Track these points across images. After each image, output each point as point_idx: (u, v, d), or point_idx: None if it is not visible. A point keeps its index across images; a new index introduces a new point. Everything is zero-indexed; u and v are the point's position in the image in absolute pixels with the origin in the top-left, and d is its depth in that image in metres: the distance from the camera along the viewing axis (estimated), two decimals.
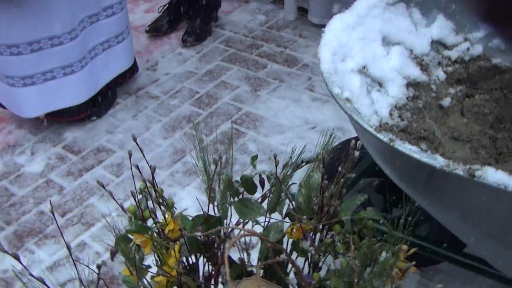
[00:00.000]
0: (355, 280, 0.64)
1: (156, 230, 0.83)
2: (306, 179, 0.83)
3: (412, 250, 0.76)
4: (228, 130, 1.84)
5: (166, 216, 0.84)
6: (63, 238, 0.83)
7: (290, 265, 0.91)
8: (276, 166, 0.85)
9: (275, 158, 0.85)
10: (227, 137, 1.79)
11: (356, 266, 0.65)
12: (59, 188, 1.70)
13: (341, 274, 0.70)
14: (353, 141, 0.88)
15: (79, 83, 1.80)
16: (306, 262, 0.87)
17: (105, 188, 0.86)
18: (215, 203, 0.88)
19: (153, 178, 0.81)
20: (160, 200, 0.84)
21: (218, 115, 1.93)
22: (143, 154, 0.85)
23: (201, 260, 0.93)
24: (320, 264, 0.87)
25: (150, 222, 0.86)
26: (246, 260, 0.91)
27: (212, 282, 0.91)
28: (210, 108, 1.96)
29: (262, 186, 0.93)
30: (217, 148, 1.70)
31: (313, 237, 0.85)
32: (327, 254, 0.81)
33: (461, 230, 0.90)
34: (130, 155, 0.82)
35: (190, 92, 2.06)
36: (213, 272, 0.90)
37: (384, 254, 0.68)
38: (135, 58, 2.07)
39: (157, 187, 0.84)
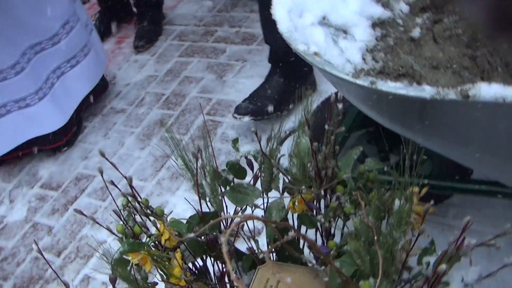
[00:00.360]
0: (375, 237, 0.59)
1: (152, 243, 0.76)
2: (294, 148, 0.77)
3: (424, 190, 0.71)
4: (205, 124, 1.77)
5: (158, 226, 0.77)
6: (61, 280, 0.76)
7: (302, 241, 0.85)
8: (259, 142, 0.78)
9: (256, 134, 0.79)
10: (204, 130, 1.72)
11: (371, 222, 0.59)
12: (48, 229, 1.61)
13: (358, 235, 0.65)
14: (333, 95, 0.83)
15: (40, 115, 1.71)
16: (318, 233, 0.82)
17: (84, 215, 0.79)
18: (207, 199, 0.82)
19: (132, 189, 0.74)
20: (148, 211, 0.77)
21: (190, 111, 1.86)
22: (116, 167, 0.78)
23: (209, 261, 0.86)
24: (332, 230, 0.81)
25: (144, 238, 0.79)
26: (255, 248, 0.85)
27: (226, 280, 0.85)
28: (179, 107, 1.89)
29: (252, 168, 0.87)
30: (197, 144, 1.64)
31: (317, 205, 0.79)
32: (337, 218, 0.75)
33: (466, 158, 0.85)
34: (101, 172, 0.75)
35: (156, 96, 1.98)
36: (225, 270, 0.84)
37: (397, 202, 0.63)
38: (104, 76, 1.97)
39: (140, 198, 0.77)
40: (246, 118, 1.62)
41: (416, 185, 0.70)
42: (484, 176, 1.03)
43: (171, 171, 1.65)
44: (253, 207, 0.84)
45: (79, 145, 1.87)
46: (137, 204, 0.78)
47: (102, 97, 2.03)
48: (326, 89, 1.67)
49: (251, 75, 1.92)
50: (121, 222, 0.78)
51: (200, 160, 0.80)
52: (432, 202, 0.64)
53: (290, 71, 1.62)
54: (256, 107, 1.62)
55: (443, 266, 0.54)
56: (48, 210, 1.67)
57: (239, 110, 1.63)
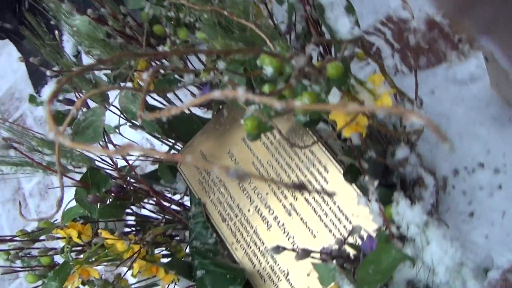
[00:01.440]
0: (225, 13, 0.47)
1: (71, 254, 0.61)
2: (78, 38, 0.60)
3: None
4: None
5: (59, 235, 0.61)
6: None
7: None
8: (49, 70, 0.61)
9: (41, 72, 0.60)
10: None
11: (210, 5, 0.47)
12: None
13: (214, 39, 0.53)
14: None
15: None
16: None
17: None
18: (70, 167, 0.65)
19: None
20: (34, 235, 0.60)
21: None
22: None
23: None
24: (201, 82, 0.70)
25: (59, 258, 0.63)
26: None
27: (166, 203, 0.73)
28: None
29: (71, 103, 0.70)
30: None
31: (158, 63, 0.66)
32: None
33: None
34: None
35: None
36: (156, 200, 0.71)
37: None
38: None
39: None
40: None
41: None
42: None
43: (36, 192, 1.41)
44: (117, 128, 0.69)
45: None
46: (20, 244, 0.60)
47: None
48: None
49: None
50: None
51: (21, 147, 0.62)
52: None
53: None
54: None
55: None
56: None
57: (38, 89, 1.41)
